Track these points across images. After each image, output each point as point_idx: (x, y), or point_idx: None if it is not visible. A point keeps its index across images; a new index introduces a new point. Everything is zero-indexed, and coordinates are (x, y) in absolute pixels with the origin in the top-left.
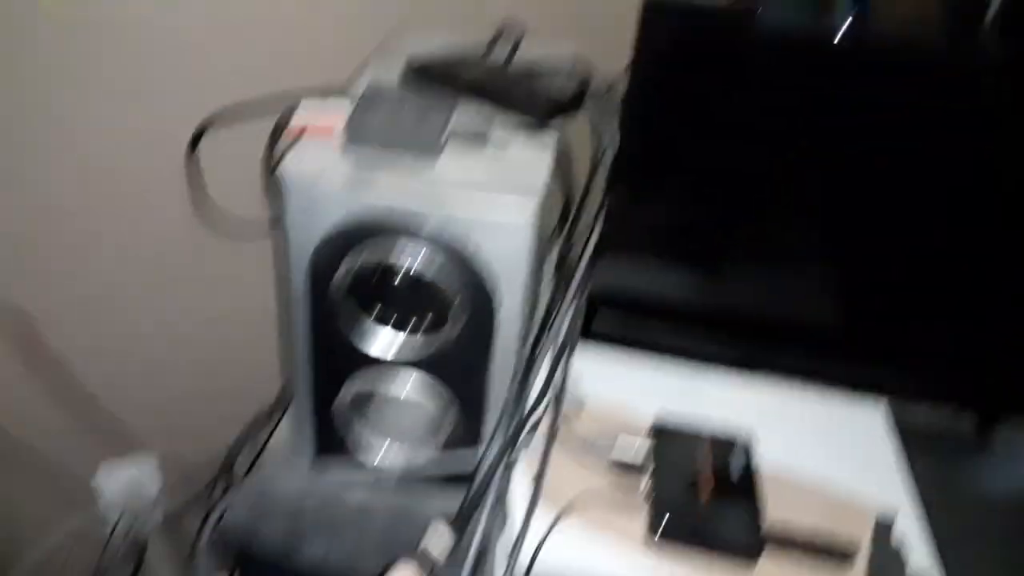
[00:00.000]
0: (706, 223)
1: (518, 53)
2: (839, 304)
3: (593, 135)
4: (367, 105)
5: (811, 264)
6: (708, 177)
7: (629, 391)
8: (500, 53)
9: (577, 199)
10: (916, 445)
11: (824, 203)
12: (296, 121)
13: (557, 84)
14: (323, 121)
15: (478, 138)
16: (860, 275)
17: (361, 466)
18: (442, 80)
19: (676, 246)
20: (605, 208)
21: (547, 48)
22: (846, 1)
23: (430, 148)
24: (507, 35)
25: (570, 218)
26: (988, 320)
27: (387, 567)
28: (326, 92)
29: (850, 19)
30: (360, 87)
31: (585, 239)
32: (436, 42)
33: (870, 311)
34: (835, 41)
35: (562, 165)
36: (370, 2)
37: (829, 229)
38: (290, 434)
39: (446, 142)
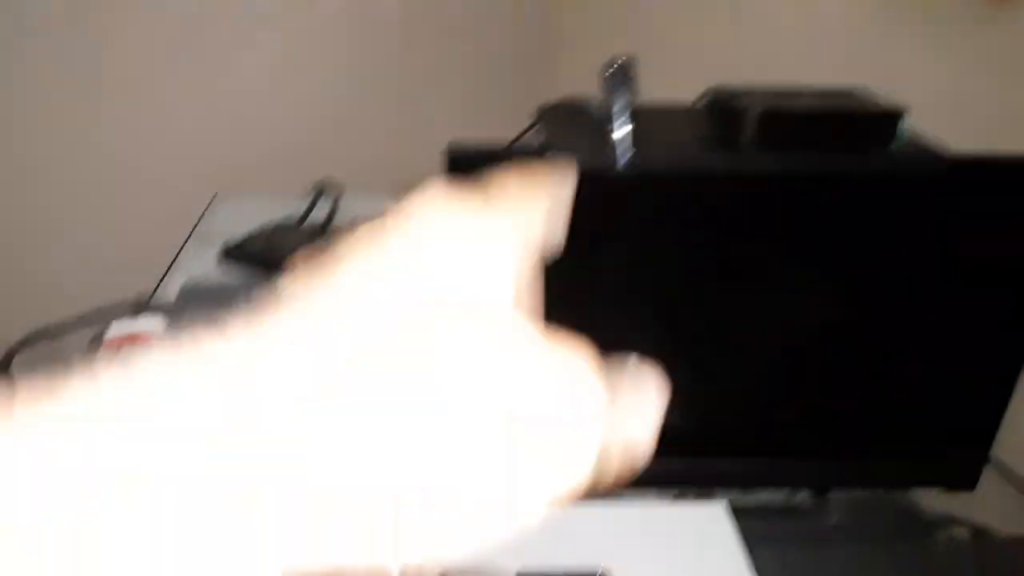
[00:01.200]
0: None
1: (338, 213)
2: (675, 405)
3: None
4: (186, 302)
5: None
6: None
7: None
8: (320, 214)
9: None
10: (757, 535)
11: (631, 315)
12: (113, 333)
13: None
14: (140, 329)
15: None
16: (680, 377)
17: None
18: (260, 259)
19: None
20: None
21: (368, 205)
22: (622, 139)
23: None
24: (326, 195)
25: None
26: (811, 404)
27: None
28: (138, 302)
29: (630, 150)
30: (175, 284)
31: None
32: (256, 211)
33: (704, 407)
34: (618, 169)
35: None
36: (191, 177)
37: (645, 336)
38: None
39: None
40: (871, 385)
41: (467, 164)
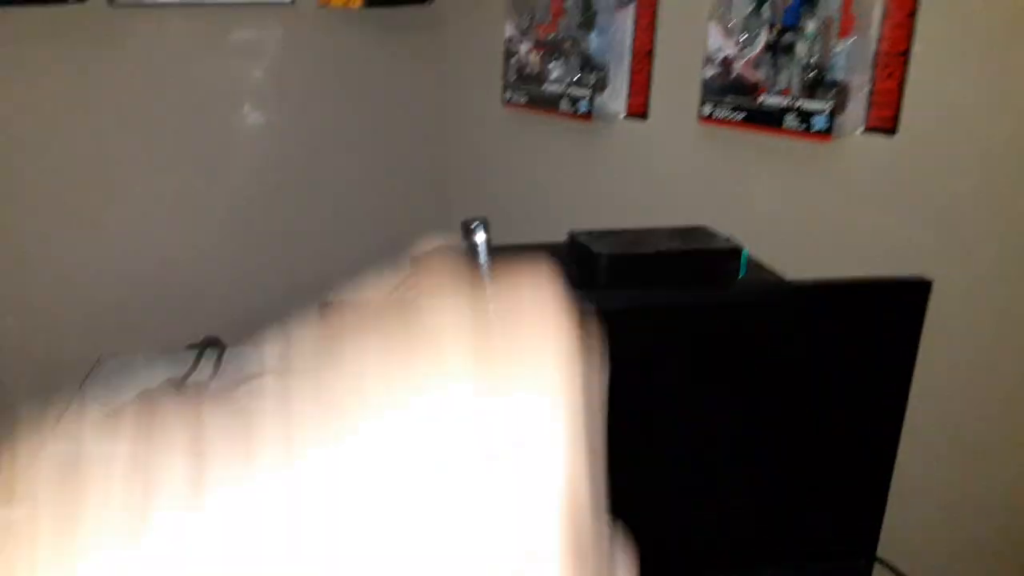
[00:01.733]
0: None
1: (223, 371)
2: None
3: None
4: None
5: None
6: None
7: None
8: (205, 370)
9: None
10: None
11: None
12: None
13: None
14: None
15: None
16: None
17: None
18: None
19: None
20: None
21: (253, 355)
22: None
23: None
24: (210, 352)
25: None
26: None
27: None
28: None
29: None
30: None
31: None
32: (140, 368)
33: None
34: None
35: None
36: (76, 337)
37: None
38: None
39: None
40: (754, 498)
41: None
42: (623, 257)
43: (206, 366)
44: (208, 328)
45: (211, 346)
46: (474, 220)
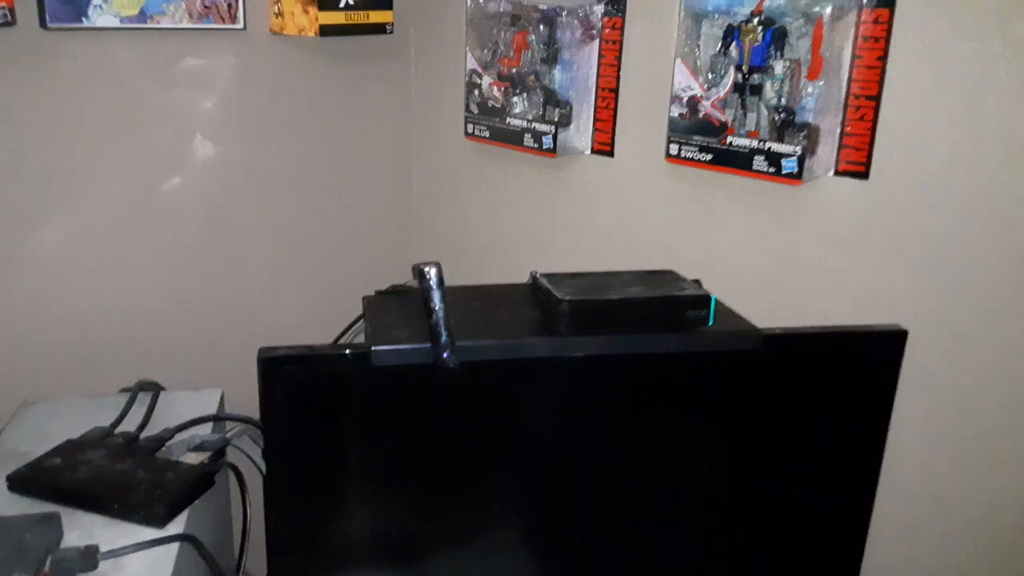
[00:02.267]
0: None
1: (158, 407)
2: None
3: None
4: None
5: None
6: (361, 501)
7: None
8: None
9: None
10: None
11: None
12: None
13: (182, 471)
14: None
15: (86, 560)
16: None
17: None
18: (47, 491)
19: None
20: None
21: (190, 400)
22: (441, 334)
23: None
24: (143, 396)
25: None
26: None
27: None
28: None
29: (449, 346)
30: None
31: None
32: (65, 414)
33: None
34: (446, 362)
35: (199, 552)
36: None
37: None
38: None
39: (49, 571)
40: (726, 553)
41: (281, 369)
42: (586, 303)
43: (139, 412)
44: (146, 371)
45: (144, 390)
46: (427, 264)
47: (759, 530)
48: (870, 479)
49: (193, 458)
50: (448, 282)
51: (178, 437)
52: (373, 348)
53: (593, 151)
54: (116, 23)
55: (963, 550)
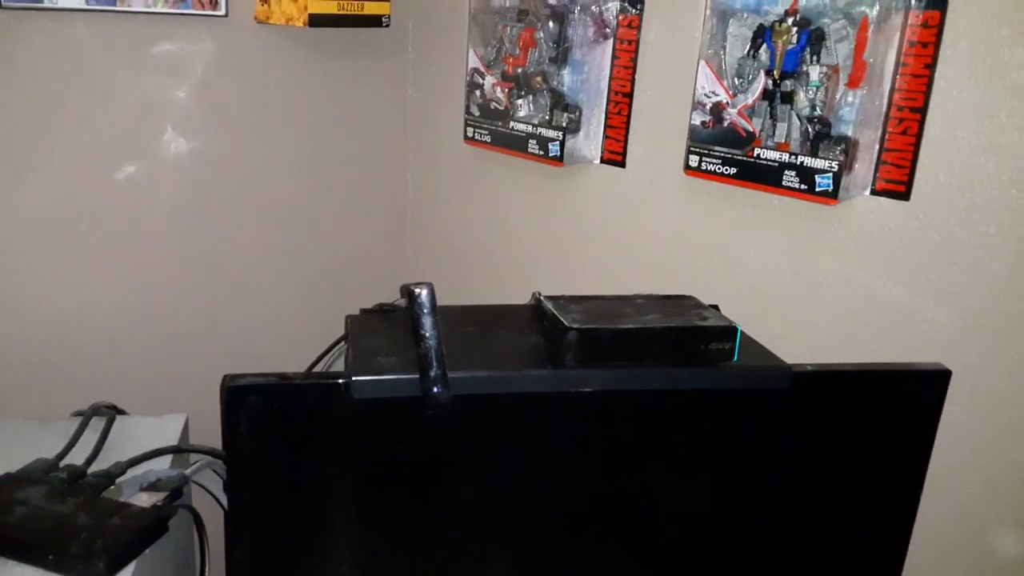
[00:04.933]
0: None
1: (113, 435)
2: None
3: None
4: None
5: None
6: (336, 550)
7: None
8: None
9: None
10: None
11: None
12: None
13: (131, 515)
14: None
15: None
16: None
17: None
18: None
19: None
20: None
21: (150, 427)
22: (431, 364)
23: None
24: (100, 418)
25: None
26: None
27: None
28: None
29: (439, 377)
30: None
31: None
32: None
33: None
34: (437, 397)
35: None
36: None
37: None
38: None
39: None
40: None
41: (248, 400)
42: (596, 332)
43: (92, 440)
44: (106, 392)
45: (99, 415)
46: (418, 285)
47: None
48: (903, 532)
49: (146, 499)
50: (443, 300)
51: (131, 472)
52: (353, 378)
53: (603, 160)
54: (81, 3)
55: None
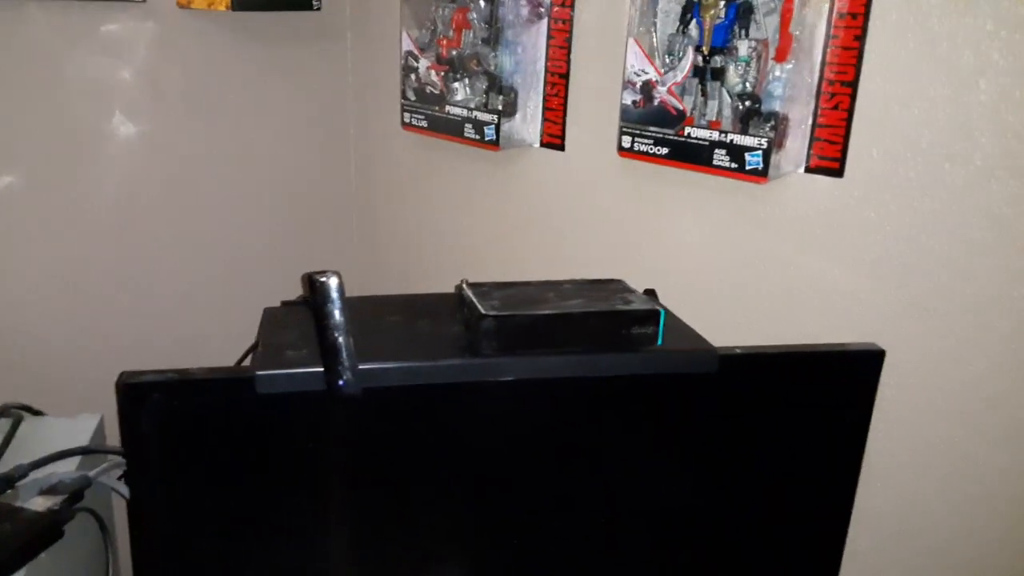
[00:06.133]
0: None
1: (21, 436)
2: None
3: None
4: None
5: None
6: (247, 550)
7: None
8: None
9: None
10: None
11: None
12: None
13: (23, 520)
14: None
15: None
16: None
17: None
18: None
19: None
20: None
21: (62, 428)
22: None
23: None
24: (8, 416)
25: None
26: None
27: None
28: None
29: (348, 370)
30: None
31: None
32: None
33: None
34: (344, 389)
35: None
36: None
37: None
38: None
39: None
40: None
41: (143, 396)
42: (512, 319)
43: None
44: (23, 392)
45: (5, 416)
46: (323, 273)
47: (722, 567)
48: (841, 516)
49: (43, 503)
50: (390, 289)
51: (32, 476)
52: (258, 373)
53: (543, 144)
54: None
55: None
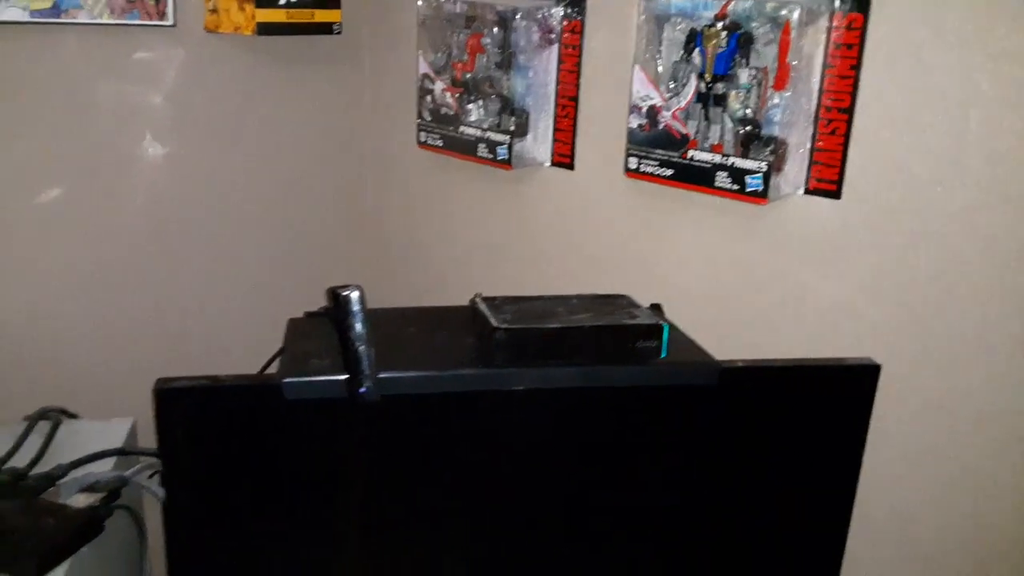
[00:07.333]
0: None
1: (59, 439)
2: None
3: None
4: None
5: None
6: (273, 549)
7: None
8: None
9: None
10: None
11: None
12: None
13: (66, 515)
14: None
15: None
16: None
17: None
18: None
19: None
20: None
21: (97, 431)
22: (364, 363)
23: None
24: (47, 419)
25: None
26: None
27: None
28: None
29: (371, 376)
30: None
31: None
32: None
33: None
34: (364, 396)
35: None
36: None
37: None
38: None
39: None
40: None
41: (181, 403)
42: (524, 332)
43: (36, 443)
44: (60, 396)
45: (46, 418)
46: (345, 287)
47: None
48: (840, 523)
49: (83, 500)
50: (402, 302)
51: (72, 475)
52: (285, 380)
53: (553, 163)
54: (24, 16)
55: None
